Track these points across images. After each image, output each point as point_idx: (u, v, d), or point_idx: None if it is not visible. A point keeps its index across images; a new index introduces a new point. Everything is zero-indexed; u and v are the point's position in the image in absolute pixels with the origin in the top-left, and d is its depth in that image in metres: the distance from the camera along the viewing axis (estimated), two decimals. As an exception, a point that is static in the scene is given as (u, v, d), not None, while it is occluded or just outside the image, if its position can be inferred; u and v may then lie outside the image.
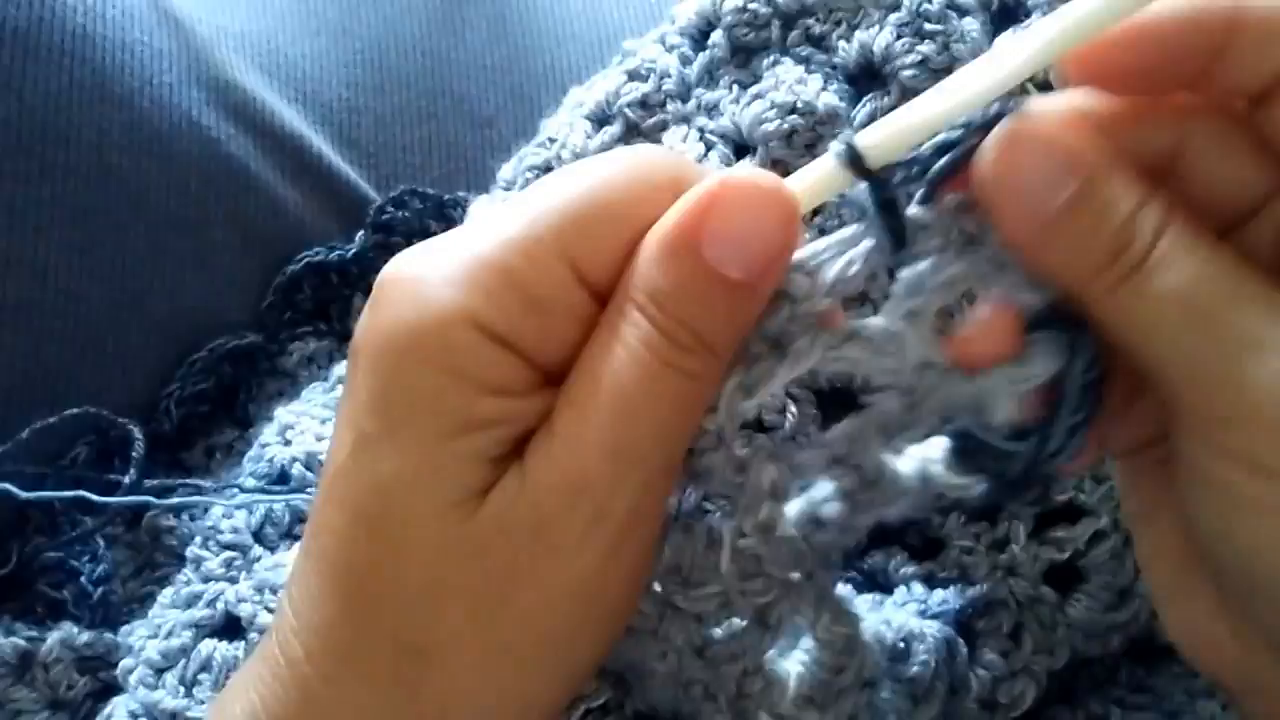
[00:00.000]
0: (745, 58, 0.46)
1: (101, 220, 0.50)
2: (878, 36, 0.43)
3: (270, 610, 0.40)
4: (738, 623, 0.31)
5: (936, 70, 0.43)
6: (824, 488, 0.31)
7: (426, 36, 0.60)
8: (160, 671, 0.41)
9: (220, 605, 0.42)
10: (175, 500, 0.45)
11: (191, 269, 0.52)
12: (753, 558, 0.30)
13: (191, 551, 0.44)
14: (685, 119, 0.45)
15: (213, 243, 0.53)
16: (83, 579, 0.46)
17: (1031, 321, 0.28)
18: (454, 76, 0.59)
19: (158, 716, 0.40)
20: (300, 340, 0.54)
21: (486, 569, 0.28)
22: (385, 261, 0.30)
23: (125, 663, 0.42)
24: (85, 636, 0.44)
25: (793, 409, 0.41)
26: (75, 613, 0.46)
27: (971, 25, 0.43)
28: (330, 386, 0.49)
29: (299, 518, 0.43)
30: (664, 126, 0.45)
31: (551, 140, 0.47)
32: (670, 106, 0.46)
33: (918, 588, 0.38)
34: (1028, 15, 0.43)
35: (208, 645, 0.41)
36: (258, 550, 0.43)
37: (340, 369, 0.50)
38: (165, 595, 0.44)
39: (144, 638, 0.42)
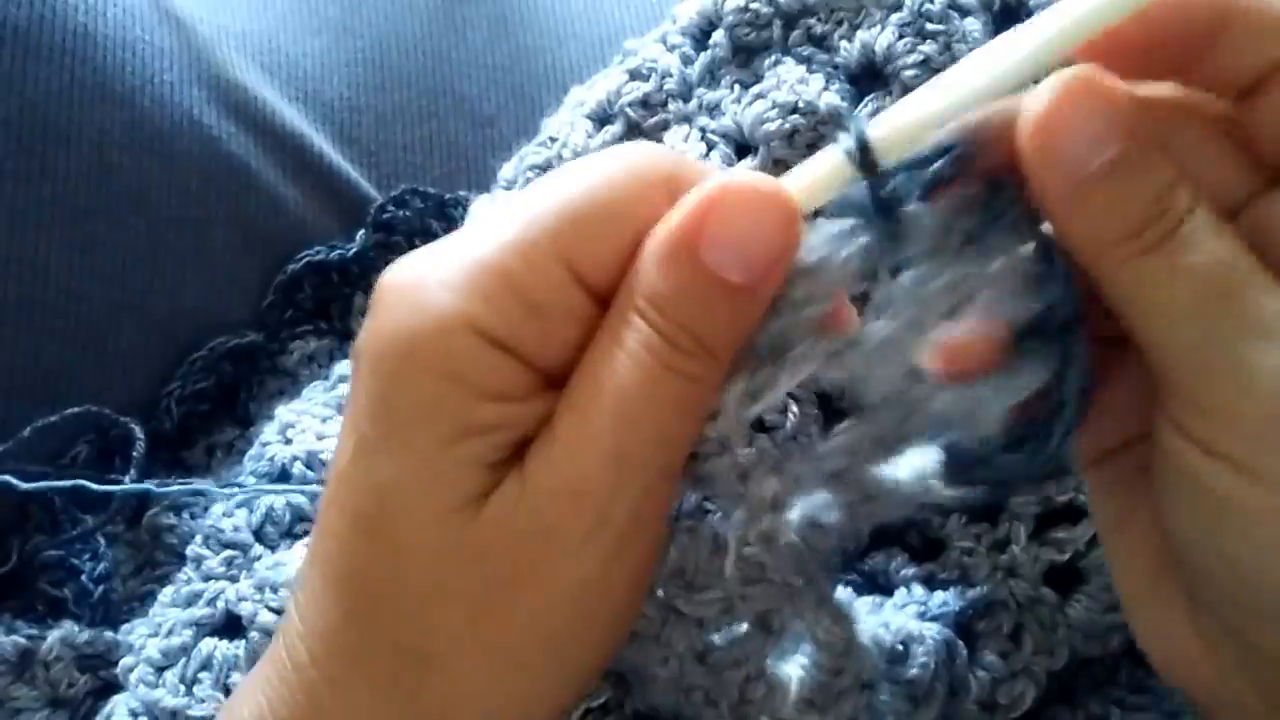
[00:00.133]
0: (747, 57, 0.46)
1: (102, 219, 0.50)
2: (879, 36, 0.43)
3: (271, 609, 0.40)
4: (739, 629, 0.31)
5: (938, 70, 0.43)
6: (823, 495, 0.31)
7: (428, 36, 0.60)
8: (160, 670, 0.41)
9: (221, 604, 0.42)
10: (174, 487, 0.45)
11: (192, 268, 0.52)
12: (756, 564, 0.30)
13: (192, 550, 0.44)
14: (687, 118, 0.45)
15: (213, 241, 0.53)
16: (83, 577, 0.46)
17: (1020, 331, 0.28)
18: (455, 76, 0.59)
19: (158, 715, 0.40)
20: (301, 339, 0.54)
21: (487, 574, 0.28)
22: (386, 261, 0.30)
23: (125, 661, 0.42)
24: (85, 635, 0.44)
25: (794, 409, 0.41)
26: (76, 611, 0.46)
27: (974, 25, 0.43)
28: (331, 385, 0.49)
29: (300, 516, 0.43)
30: (665, 126, 0.45)
31: (552, 139, 0.47)
32: (672, 106, 0.46)
33: (918, 589, 0.38)
34: (1029, 15, 0.43)
35: (208, 644, 0.41)
36: (258, 549, 0.43)
37: (341, 367, 0.50)
38: (166, 594, 0.44)
39: (144, 636, 0.42)
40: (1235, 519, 0.26)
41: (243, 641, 0.41)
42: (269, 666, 0.30)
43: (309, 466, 0.44)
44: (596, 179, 0.28)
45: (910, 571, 0.39)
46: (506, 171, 0.48)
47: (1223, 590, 0.28)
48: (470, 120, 0.59)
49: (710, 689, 0.31)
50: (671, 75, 0.46)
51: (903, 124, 0.28)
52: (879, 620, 0.36)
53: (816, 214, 0.29)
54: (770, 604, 0.30)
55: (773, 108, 0.42)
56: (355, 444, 0.29)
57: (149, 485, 0.45)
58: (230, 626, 0.42)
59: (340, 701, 0.29)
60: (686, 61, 0.46)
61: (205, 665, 0.41)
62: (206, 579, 0.43)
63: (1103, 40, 0.27)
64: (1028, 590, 0.38)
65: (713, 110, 0.45)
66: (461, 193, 0.56)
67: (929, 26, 0.43)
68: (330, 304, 0.55)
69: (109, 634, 0.44)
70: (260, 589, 0.41)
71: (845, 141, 0.27)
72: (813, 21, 0.45)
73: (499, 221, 0.28)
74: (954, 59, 0.43)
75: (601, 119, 0.46)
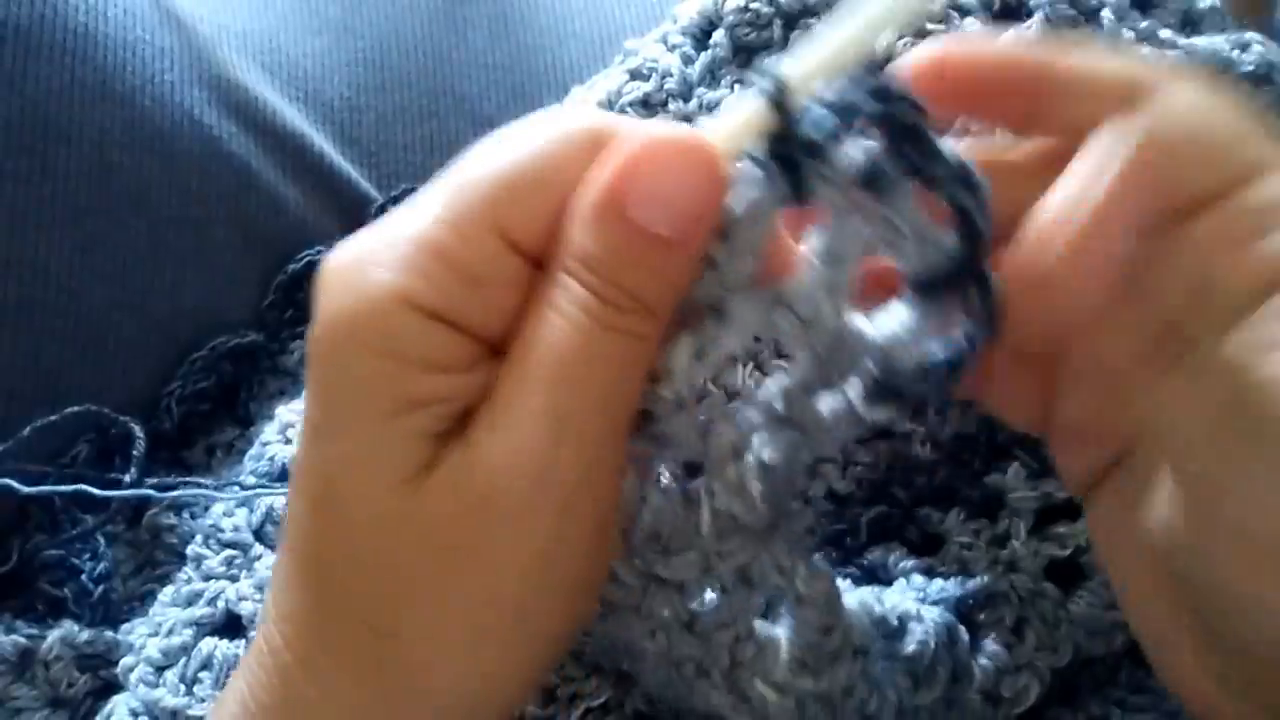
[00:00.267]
0: (747, 57, 0.46)
1: (103, 218, 0.50)
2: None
3: (271, 608, 0.40)
4: (721, 597, 0.31)
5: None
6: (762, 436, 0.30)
7: (428, 36, 0.60)
8: (161, 669, 0.41)
9: (221, 603, 0.42)
10: (175, 491, 0.45)
11: (193, 267, 0.52)
12: (728, 516, 0.30)
13: (192, 550, 0.44)
14: (687, 118, 0.45)
15: (214, 241, 0.53)
16: (83, 577, 0.46)
17: (927, 269, 0.28)
18: (455, 75, 0.59)
19: (158, 714, 0.40)
20: (301, 339, 0.54)
21: (436, 542, 0.28)
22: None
23: (126, 661, 0.42)
24: (86, 634, 0.44)
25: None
26: (76, 610, 0.46)
27: (973, 25, 0.43)
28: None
29: (300, 516, 0.43)
30: (666, 125, 0.45)
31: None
32: (672, 106, 0.46)
33: (917, 579, 0.38)
34: (1029, 15, 0.43)
35: (208, 643, 0.41)
36: (259, 549, 0.43)
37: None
38: (166, 593, 0.44)
39: (144, 636, 0.42)
40: (1239, 546, 0.26)
41: (243, 641, 0.41)
42: (250, 655, 0.31)
43: (309, 466, 0.44)
44: (523, 146, 0.29)
45: (909, 564, 0.39)
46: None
47: (1226, 616, 0.28)
48: (471, 120, 0.59)
49: (700, 658, 0.31)
50: (672, 75, 0.46)
51: (814, 60, 0.28)
52: (874, 594, 0.36)
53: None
54: (747, 556, 0.30)
55: (773, 107, 0.42)
56: (308, 430, 0.29)
57: (149, 491, 0.45)
58: (230, 626, 0.42)
59: (311, 681, 0.29)
60: (687, 61, 0.46)
61: (205, 665, 0.41)
62: (207, 578, 0.43)
63: (951, 76, 0.29)
64: (1029, 584, 0.37)
65: (713, 110, 0.45)
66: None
67: (929, 26, 0.43)
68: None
69: (109, 634, 0.44)
70: (260, 588, 0.41)
71: (760, 82, 0.27)
72: (813, 21, 0.45)
73: (430, 197, 0.28)
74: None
75: (602, 119, 0.46)
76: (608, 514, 0.29)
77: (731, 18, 0.46)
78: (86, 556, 0.46)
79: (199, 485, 0.45)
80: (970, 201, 0.28)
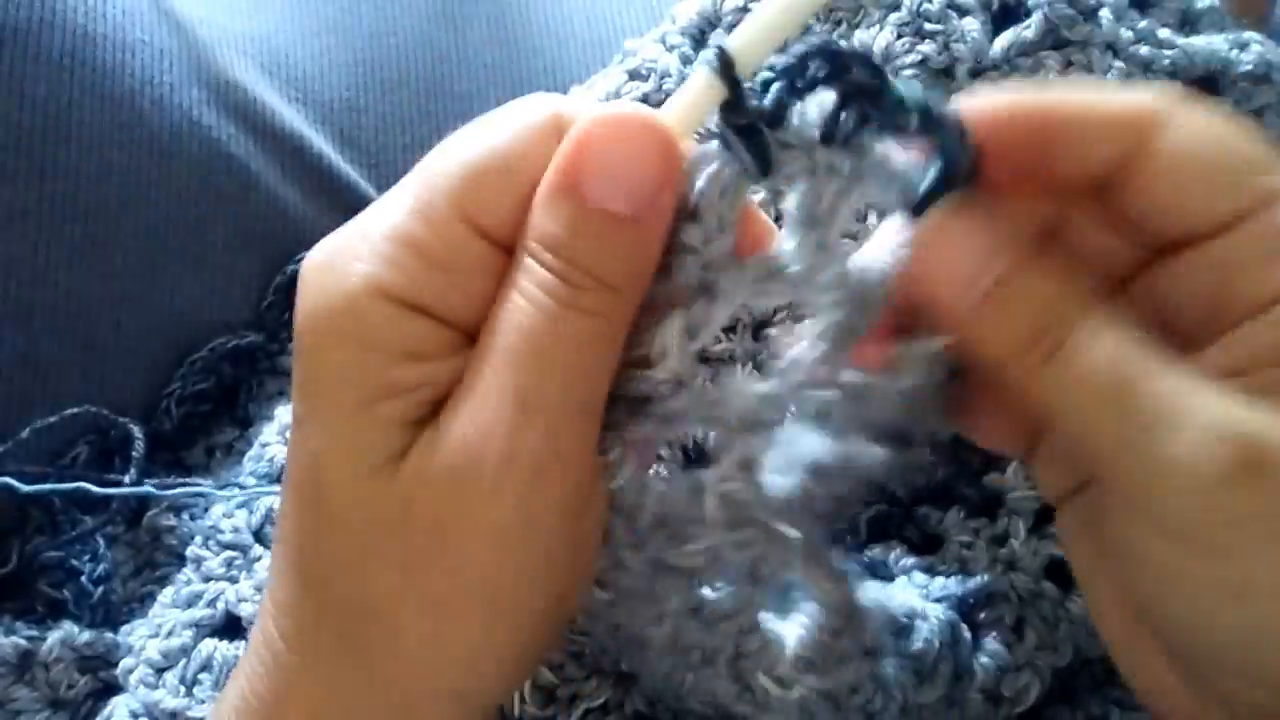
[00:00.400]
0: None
1: (101, 220, 0.50)
2: (878, 36, 0.44)
3: (272, 609, 0.40)
4: (730, 586, 0.31)
5: (936, 70, 0.43)
6: (804, 437, 0.30)
7: (427, 36, 0.60)
8: (161, 671, 0.41)
9: (221, 605, 0.42)
10: (175, 490, 0.45)
11: (191, 268, 0.52)
12: (739, 503, 0.30)
13: (192, 551, 0.44)
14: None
15: (213, 242, 0.53)
16: (83, 578, 0.46)
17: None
18: (455, 76, 0.59)
19: (158, 716, 0.40)
20: (301, 340, 0.54)
21: (412, 525, 0.28)
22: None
23: (126, 662, 0.42)
24: (85, 636, 0.44)
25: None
26: (76, 612, 0.46)
27: (971, 25, 0.43)
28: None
29: (300, 516, 0.43)
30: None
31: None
32: (672, 106, 0.46)
33: (919, 576, 0.38)
34: (1028, 15, 0.43)
35: (208, 645, 0.41)
36: (258, 550, 0.43)
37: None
38: (166, 595, 0.44)
39: (144, 637, 0.42)
40: (1176, 587, 0.27)
41: (242, 642, 0.41)
42: (249, 649, 0.31)
43: (309, 466, 0.44)
44: (487, 135, 0.29)
45: (910, 562, 0.39)
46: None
47: (1184, 648, 0.28)
48: (470, 121, 0.59)
49: (706, 647, 0.31)
50: (671, 75, 0.46)
51: (753, 30, 0.28)
52: (883, 590, 0.36)
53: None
54: (758, 552, 0.30)
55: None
56: (293, 422, 0.30)
57: (149, 488, 0.45)
58: (230, 627, 0.42)
59: (303, 670, 0.30)
60: (686, 61, 0.46)
61: (205, 666, 0.41)
62: (206, 580, 0.43)
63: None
64: (1029, 583, 0.38)
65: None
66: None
67: (927, 26, 0.43)
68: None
69: (109, 635, 0.44)
70: (260, 589, 0.41)
71: (707, 56, 0.28)
72: (812, 22, 0.45)
73: (399, 191, 0.29)
74: (952, 59, 0.43)
75: (601, 119, 0.46)
76: (578, 496, 0.30)
77: (730, 18, 0.46)
78: (86, 558, 0.46)
79: (198, 486, 0.45)
80: (942, 129, 0.28)
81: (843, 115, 0.28)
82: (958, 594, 0.37)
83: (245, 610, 0.41)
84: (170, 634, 0.42)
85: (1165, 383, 0.26)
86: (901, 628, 0.35)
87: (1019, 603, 0.37)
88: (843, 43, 0.28)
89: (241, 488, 0.44)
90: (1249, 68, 0.43)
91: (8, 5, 0.48)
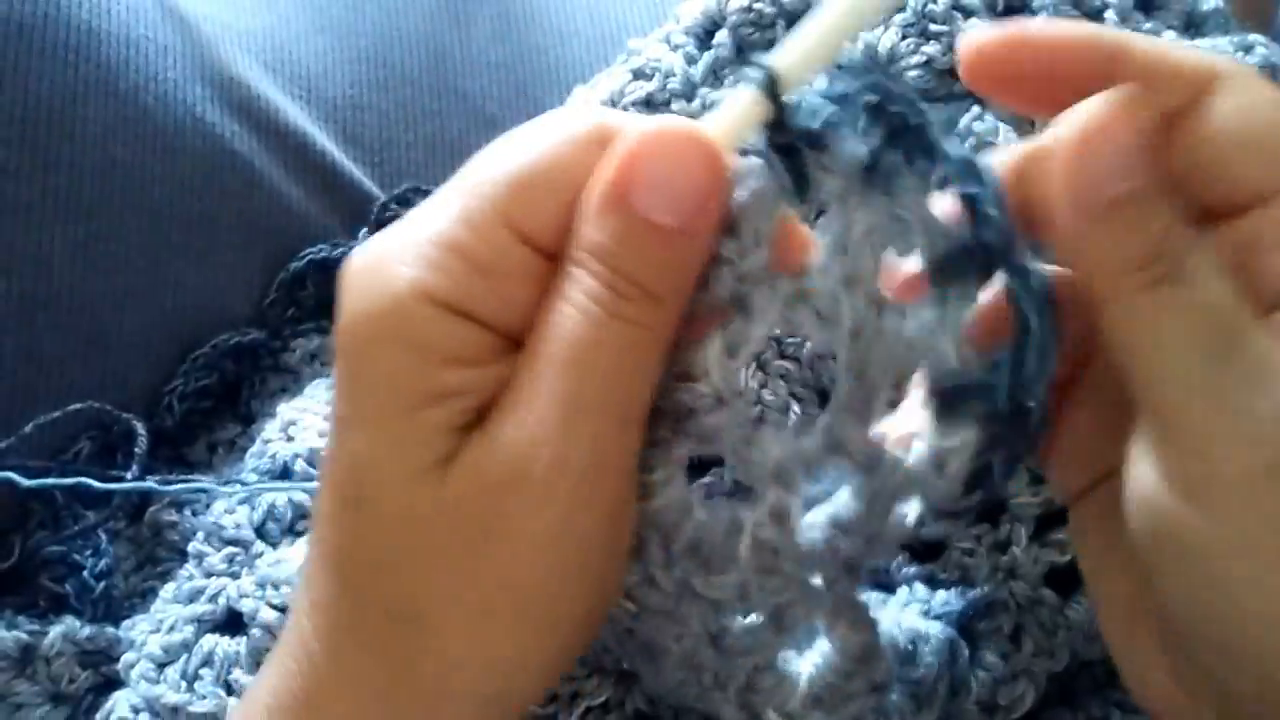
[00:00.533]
0: (750, 57, 0.46)
1: (105, 216, 0.50)
2: (883, 37, 0.44)
3: (272, 606, 0.40)
4: (754, 619, 0.31)
5: (941, 71, 0.43)
6: (843, 493, 0.31)
7: (431, 34, 0.60)
8: (162, 666, 0.41)
9: (222, 600, 0.42)
10: (177, 486, 0.45)
11: (195, 265, 0.52)
12: (770, 551, 0.30)
13: (194, 547, 0.44)
14: (690, 118, 0.45)
15: (216, 239, 0.53)
16: (85, 573, 0.46)
17: (947, 256, 0.28)
18: (458, 74, 0.59)
19: (159, 711, 0.40)
20: (303, 336, 0.54)
21: (459, 530, 0.28)
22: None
23: (127, 657, 0.42)
24: (87, 630, 0.44)
25: (796, 409, 0.41)
26: (77, 607, 0.46)
27: (976, 26, 0.43)
28: (333, 383, 0.49)
29: (302, 513, 0.44)
30: (668, 126, 0.45)
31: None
32: (675, 105, 0.46)
33: (920, 588, 0.38)
34: (1033, 15, 0.43)
35: (209, 640, 0.41)
36: (260, 546, 0.43)
37: (343, 365, 0.50)
38: (167, 590, 0.44)
39: (146, 632, 0.42)
40: (1203, 561, 0.26)
41: (244, 638, 0.41)
42: (279, 646, 0.31)
43: (311, 464, 0.44)
44: (531, 145, 0.29)
45: (911, 570, 0.39)
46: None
47: (1194, 629, 0.28)
48: (473, 119, 0.59)
49: (720, 671, 0.31)
50: (675, 75, 0.46)
51: (800, 49, 0.28)
52: (892, 617, 0.36)
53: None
54: (784, 598, 0.30)
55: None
56: (336, 423, 0.30)
57: (151, 483, 0.45)
58: (232, 623, 0.42)
59: (339, 671, 0.30)
60: (690, 61, 0.46)
61: (206, 662, 0.41)
62: (208, 575, 0.43)
63: (1011, 58, 0.29)
64: (1028, 591, 0.38)
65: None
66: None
67: (932, 27, 0.43)
68: (332, 302, 0.54)
69: (110, 630, 0.45)
70: (262, 586, 0.41)
71: (754, 74, 0.28)
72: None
73: (444, 197, 0.29)
74: (958, 61, 0.43)
75: (604, 118, 0.46)
76: (619, 505, 0.30)
77: (735, 18, 0.46)
78: (88, 553, 0.47)
79: (200, 482, 0.45)
80: (978, 191, 0.28)
81: (885, 152, 0.28)
82: (958, 609, 0.37)
83: (247, 606, 0.41)
84: (172, 629, 0.42)
85: (1264, 342, 0.26)
86: (906, 654, 0.35)
87: (1017, 610, 0.37)
88: (893, 79, 0.28)
89: (243, 484, 0.44)
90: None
91: (11, 1, 0.48)
